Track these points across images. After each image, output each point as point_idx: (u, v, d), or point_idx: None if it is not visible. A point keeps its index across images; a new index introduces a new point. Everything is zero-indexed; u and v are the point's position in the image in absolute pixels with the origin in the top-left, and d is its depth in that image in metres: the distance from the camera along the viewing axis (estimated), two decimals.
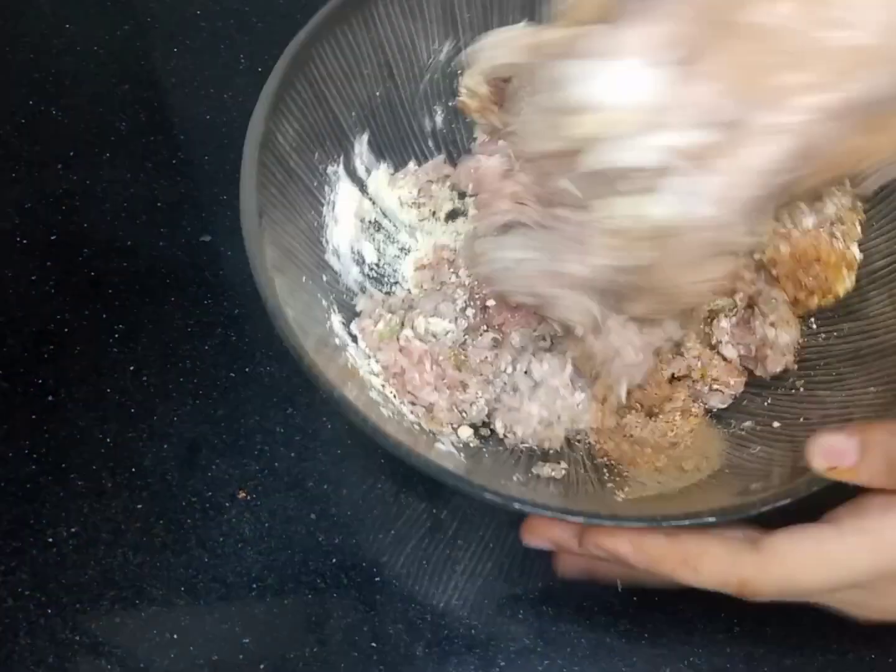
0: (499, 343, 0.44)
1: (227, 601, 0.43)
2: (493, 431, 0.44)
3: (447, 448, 0.41)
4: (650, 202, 0.33)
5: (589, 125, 0.32)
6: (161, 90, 0.62)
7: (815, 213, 0.45)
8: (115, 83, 0.61)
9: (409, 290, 0.49)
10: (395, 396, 0.42)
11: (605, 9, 0.34)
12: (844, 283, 0.44)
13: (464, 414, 0.43)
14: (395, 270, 0.50)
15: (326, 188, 0.47)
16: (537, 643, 0.42)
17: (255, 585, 0.43)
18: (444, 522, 0.45)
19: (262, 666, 0.41)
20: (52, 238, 0.54)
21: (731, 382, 0.45)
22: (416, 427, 0.42)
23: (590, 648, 0.42)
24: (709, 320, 0.45)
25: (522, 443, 0.43)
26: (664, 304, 0.38)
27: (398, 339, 0.44)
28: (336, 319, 0.43)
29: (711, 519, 0.34)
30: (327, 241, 0.46)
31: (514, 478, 0.40)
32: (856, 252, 0.45)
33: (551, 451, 0.44)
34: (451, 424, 0.43)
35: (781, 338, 0.43)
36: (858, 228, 0.46)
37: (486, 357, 0.44)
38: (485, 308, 0.46)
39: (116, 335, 0.50)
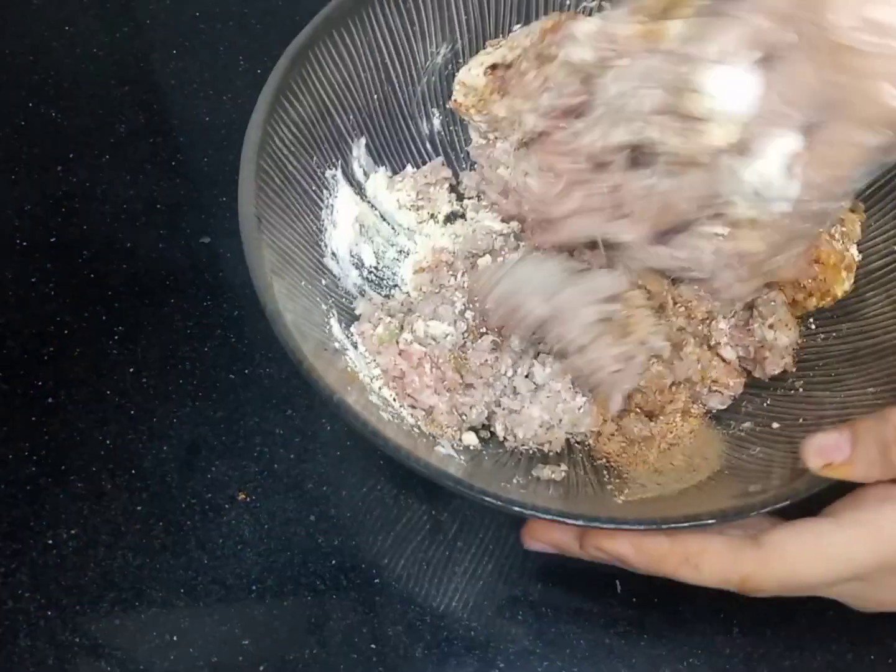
0: (498, 346, 0.44)
1: (226, 603, 0.43)
2: (492, 434, 0.44)
3: (447, 451, 0.41)
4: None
5: (724, 136, 0.34)
6: (160, 92, 0.62)
7: None
8: (114, 85, 0.61)
9: (408, 293, 0.49)
10: (394, 400, 0.42)
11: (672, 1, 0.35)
12: (843, 285, 0.44)
13: (464, 417, 0.43)
14: (394, 273, 0.50)
15: (325, 192, 0.47)
16: (537, 644, 0.42)
17: (254, 587, 0.43)
18: (444, 524, 0.45)
19: (261, 668, 0.41)
20: (52, 240, 0.54)
21: (731, 384, 0.45)
22: (416, 430, 0.42)
23: (589, 649, 0.42)
24: (707, 322, 0.45)
25: (523, 445, 0.44)
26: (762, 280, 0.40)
27: (398, 342, 0.44)
28: (335, 323, 0.43)
29: (711, 521, 0.34)
30: (326, 245, 0.46)
31: (515, 480, 0.40)
32: (855, 253, 0.45)
33: (551, 454, 0.44)
34: (454, 429, 0.43)
35: (780, 340, 0.43)
36: (858, 229, 0.46)
37: (487, 360, 0.44)
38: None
39: (116, 337, 0.50)
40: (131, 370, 0.49)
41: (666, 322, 0.44)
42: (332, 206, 0.47)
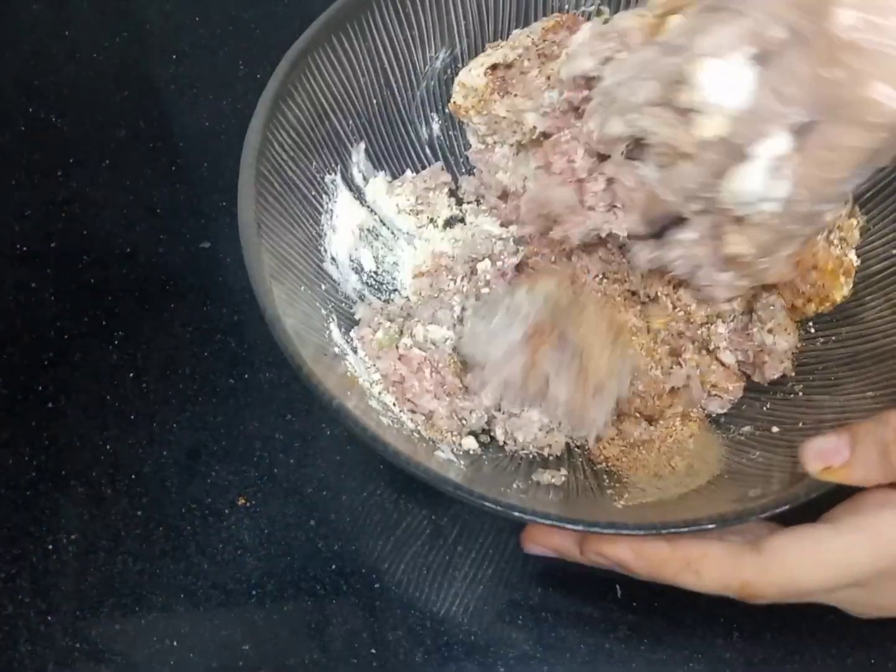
0: None
1: (226, 608, 0.43)
2: (492, 438, 0.44)
3: (447, 455, 0.41)
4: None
5: (714, 128, 0.33)
6: (160, 97, 0.62)
7: None
8: (114, 90, 0.61)
9: (407, 297, 0.49)
10: (394, 404, 0.42)
11: None
12: (842, 290, 0.44)
13: (463, 421, 0.43)
14: (393, 278, 0.50)
15: (324, 197, 0.47)
16: (537, 649, 0.42)
17: (254, 592, 0.43)
18: (444, 529, 0.45)
19: None
20: (52, 245, 0.54)
21: (730, 388, 0.45)
22: (416, 435, 0.42)
23: (589, 654, 0.42)
24: (707, 326, 0.45)
25: (522, 449, 0.44)
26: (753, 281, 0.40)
27: (397, 346, 0.44)
28: (335, 328, 0.43)
29: (711, 525, 0.34)
30: (325, 250, 0.46)
31: (514, 485, 0.40)
32: (853, 258, 0.45)
33: (551, 458, 0.44)
34: (453, 433, 0.43)
35: (779, 344, 0.43)
36: (857, 234, 0.46)
37: None
38: None
39: (116, 342, 0.50)
40: (131, 375, 0.49)
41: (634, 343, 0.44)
42: (331, 210, 0.47)
